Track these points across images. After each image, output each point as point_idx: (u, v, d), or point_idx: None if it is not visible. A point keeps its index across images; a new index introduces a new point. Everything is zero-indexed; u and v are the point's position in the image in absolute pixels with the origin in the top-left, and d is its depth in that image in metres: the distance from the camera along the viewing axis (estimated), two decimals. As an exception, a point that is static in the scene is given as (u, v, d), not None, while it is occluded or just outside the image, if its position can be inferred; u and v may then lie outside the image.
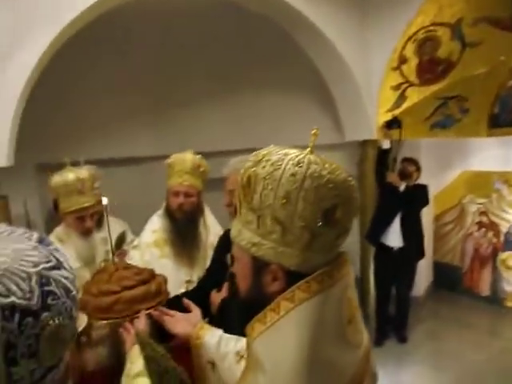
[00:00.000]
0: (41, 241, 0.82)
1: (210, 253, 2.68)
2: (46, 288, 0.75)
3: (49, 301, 0.75)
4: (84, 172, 2.58)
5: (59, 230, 2.69)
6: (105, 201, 2.26)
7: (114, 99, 4.75)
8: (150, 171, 5.07)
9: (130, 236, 3.06)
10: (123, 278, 1.77)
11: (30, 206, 4.39)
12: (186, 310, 1.81)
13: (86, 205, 2.55)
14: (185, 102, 4.94)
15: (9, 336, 0.69)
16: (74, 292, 0.82)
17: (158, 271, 2.48)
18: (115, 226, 2.90)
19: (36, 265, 0.76)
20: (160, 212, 2.78)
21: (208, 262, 2.66)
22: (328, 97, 4.66)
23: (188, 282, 2.66)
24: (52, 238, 2.66)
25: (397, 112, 4.57)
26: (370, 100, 4.55)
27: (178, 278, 2.61)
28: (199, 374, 1.53)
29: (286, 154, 1.03)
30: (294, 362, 0.96)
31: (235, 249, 1.15)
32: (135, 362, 1.43)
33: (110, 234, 2.19)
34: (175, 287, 2.28)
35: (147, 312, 1.71)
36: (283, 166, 1.01)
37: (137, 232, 3.18)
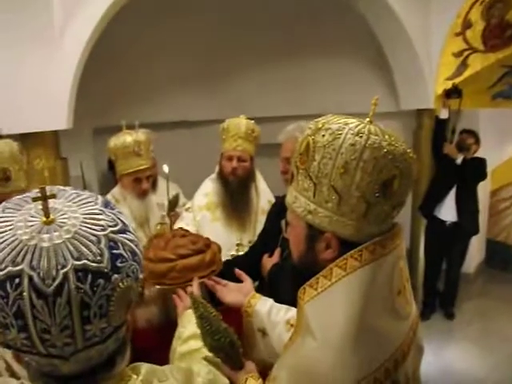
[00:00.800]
0: (106, 205, 0.84)
1: (261, 218, 2.73)
2: (115, 251, 0.77)
3: (118, 263, 0.77)
4: (141, 135, 2.63)
5: (115, 191, 2.77)
6: (166, 169, 2.31)
7: (168, 64, 4.80)
8: (201, 135, 5.13)
9: (182, 199, 3.11)
10: (179, 247, 1.83)
11: (85, 167, 4.55)
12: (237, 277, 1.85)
13: (143, 167, 2.60)
14: (238, 67, 4.93)
15: (83, 296, 0.72)
16: (139, 254, 0.84)
17: (209, 233, 2.55)
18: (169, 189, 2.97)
19: (104, 228, 0.78)
20: (213, 176, 2.81)
21: (258, 227, 2.70)
22: (384, 63, 4.51)
23: (238, 245, 2.70)
24: (108, 198, 2.76)
25: (457, 80, 4.36)
26: (429, 67, 4.36)
27: (229, 241, 2.65)
28: (248, 340, 1.57)
29: (345, 124, 1.02)
30: (344, 328, 0.98)
31: (290, 215, 1.17)
32: (187, 326, 1.48)
33: (168, 199, 2.25)
34: (225, 250, 2.32)
35: (200, 280, 1.76)
36: (343, 135, 1.00)
37: (187, 195, 3.25)
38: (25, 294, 0.69)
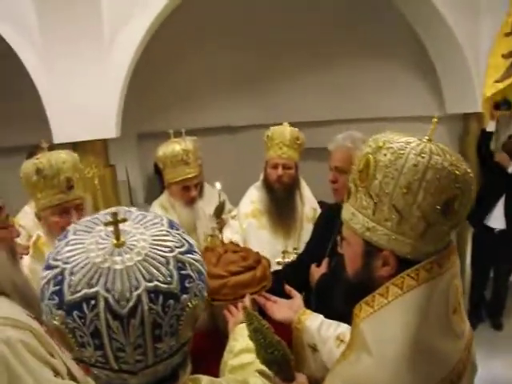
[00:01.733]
0: (171, 226, 0.86)
1: (306, 225, 2.75)
2: (183, 272, 0.80)
3: (186, 284, 0.79)
4: (189, 144, 2.67)
5: (163, 198, 2.83)
6: (218, 186, 2.35)
7: (211, 70, 4.88)
8: (244, 140, 5.18)
9: (228, 205, 3.14)
10: (230, 263, 1.86)
11: (130, 172, 4.67)
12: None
13: (191, 175, 2.65)
14: (281, 72, 4.94)
15: (155, 317, 0.75)
16: (204, 273, 0.87)
17: (255, 241, 2.59)
18: (214, 196, 3.01)
19: (172, 250, 0.80)
20: (258, 184, 2.84)
21: (303, 234, 2.72)
22: (429, 65, 4.40)
23: (284, 252, 2.72)
24: (156, 206, 2.84)
25: (506, 83, 4.21)
26: (477, 69, 4.23)
27: (274, 248, 2.67)
28: (298, 355, 1.59)
29: (407, 143, 1.03)
30: (400, 347, 0.99)
31: (346, 231, 1.18)
32: (238, 339, 1.50)
33: (220, 210, 2.28)
34: (271, 257, 2.34)
35: (252, 297, 1.78)
36: (405, 155, 1.01)
37: (230, 199, 3.30)
38: (101, 315, 0.72)
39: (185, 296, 0.78)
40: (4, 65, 3.65)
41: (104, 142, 3.25)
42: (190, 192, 2.69)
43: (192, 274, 0.81)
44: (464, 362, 1.06)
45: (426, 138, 1.05)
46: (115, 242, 0.77)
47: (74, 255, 0.76)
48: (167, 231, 0.83)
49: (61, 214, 1.96)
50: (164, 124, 4.91)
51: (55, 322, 0.75)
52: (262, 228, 2.71)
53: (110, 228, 0.79)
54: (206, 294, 0.87)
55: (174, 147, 2.63)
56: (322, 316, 1.62)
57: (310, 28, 4.69)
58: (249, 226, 2.73)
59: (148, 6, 3.12)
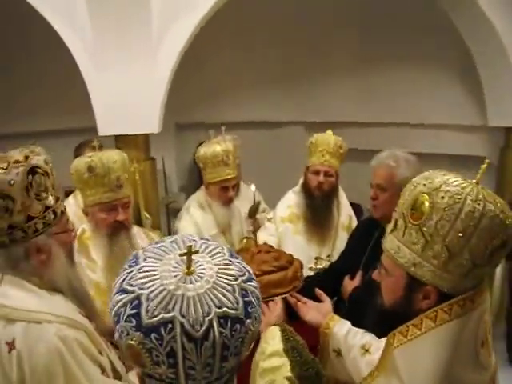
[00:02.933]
0: (231, 255, 0.93)
1: (341, 233, 2.79)
2: (246, 299, 0.86)
3: (249, 309, 0.86)
4: (229, 144, 2.71)
5: (201, 197, 2.88)
6: (253, 188, 2.38)
7: (250, 65, 4.87)
8: (280, 136, 5.19)
9: (262, 205, 3.17)
10: (263, 263, 1.92)
11: (166, 161, 4.74)
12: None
13: (230, 176, 2.69)
14: (320, 70, 4.89)
15: (224, 340, 0.82)
16: (260, 299, 0.93)
17: (290, 246, 2.62)
18: (249, 194, 3.04)
19: (236, 278, 0.87)
20: (296, 188, 2.86)
21: (338, 242, 2.75)
22: (473, 73, 4.27)
23: (317, 258, 2.75)
24: (193, 204, 2.89)
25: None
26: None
27: (308, 254, 2.71)
28: (322, 358, 1.66)
29: (463, 188, 1.08)
30: (431, 377, 1.06)
31: (387, 261, 1.23)
32: (270, 342, 1.53)
33: (254, 211, 2.31)
34: (304, 263, 2.37)
35: (282, 296, 1.84)
36: (462, 200, 1.07)
37: (264, 196, 3.31)
38: (177, 337, 0.79)
39: (248, 321, 0.85)
40: (55, 58, 3.75)
41: (146, 136, 3.31)
42: (228, 192, 2.73)
43: (253, 300, 0.88)
44: None
45: (474, 181, 1.12)
46: (186, 270, 0.84)
47: (149, 281, 0.83)
48: (230, 260, 0.90)
49: (108, 211, 2.04)
50: (201, 116, 5.02)
51: (131, 342, 0.82)
52: (298, 233, 2.75)
53: (181, 257, 0.86)
54: (263, 317, 0.94)
55: (215, 148, 2.66)
56: (349, 323, 1.67)
57: (351, 29, 4.65)
58: (284, 230, 2.77)
59: (197, 5, 3.14)
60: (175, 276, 0.84)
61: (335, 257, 2.65)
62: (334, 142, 2.64)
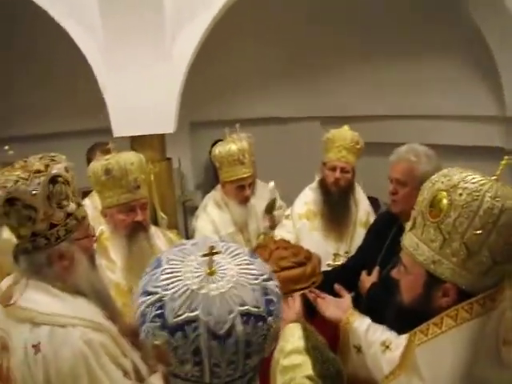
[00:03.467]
0: (251, 255, 0.95)
1: (359, 229, 2.76)
2: (267, 297, 0.89)
3: (270, 307, 0.88)
4: (245, 143, 2.70)
5: (217, 196, 2.88)
6: (271, 185, 2.38)
7: (262, 60, 4.86)
8: (293, 132, 5.18)
9: (279, 202, 3.17)
10: (281, 259, 1.91)
11: (182, 159, 4.76)
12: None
13: (246, 175, 2.69)
14: (332, 65, 4.86)
15: (247, 337, 0.84)
16: (281, 297, 0.94)
17: (307, 242, 2.61)
18: (265, 192, 3.05)
19: (257, 277, 0.89)
20: (313, 185, 2.86)
21: (356, 238, 2.73)
22: (490, 64, 4.19)
23: (335, 255, 2.74)
24: (210, 203, 2.90)
25: None
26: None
27: (326, 251, 2.69)
28: (342, 354, 1.66)
29: (481, 184, 1.08)
30: (451, 375, 1.06)
31: (406, 259, 1.24)
32: (289, 339, 1.55)
33: (270, 207, 2.31)
34: (322, 259, 2.35)
35: (301, 292, 1.83)
36: (481, 197, 1.06)
37: (277, 190, 3.31)
38: (202, 336, 0.82)
39: (270, 318, 0.88)
40: (67, 59, 3.77)
41: (161, 136, 3.33)
42: (244, 191, 2.73)
43: (274, 298, 0.90)
44: None
45: (494, 177, 1.11)
46: (208, 270, 0.87)
47: (172, 282, 0.86)
48: (250, 261, 0.92)
49: (127, 212, 2.05)
50: (216, 113, 5.02)
51: (157, 342, 0.84)
52: (315, 230, 2.74)
53: (202, 258, 0.89)
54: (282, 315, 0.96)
55: (231, 147, 2.66)
56: (369, 319, 1.67)
57: (369, 23, 4.58)
58: (302, 227, 2.76)
59: (211, 3, 3.15)
60: (198, 276, 0.86)
61: (353, 253, 2.64)
62: (351, 137, 2.63)
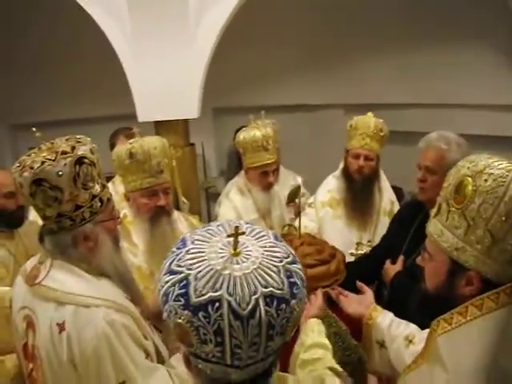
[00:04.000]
0: (276, 237, 0.94)
1: (383, 218, 2.73)
2: (291, 279, 0.88)
3: (294, 290, 0.88)
4: (269, 129, 2.67)
5: (240, 182, 2.87)
6: (299, 180, 2.34)
7: (288, 47, 4.81)
8: (318, 119, 5.13)
9: (302, 190, 3.15)
10: (306, 256, 1.90)
11: (206, 147, 4.77)
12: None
13: (270, 161, 2.66)
14: (358, 52, 4.78)
15: (270, 318, 0.83)
16: (305, 281, 0.93)
17: (330, 231, 2.60)
18: (289, 179, 3.03)
19: (281, 260, 0.89)
20: (336, 173, 2.83)
21: (379, 227, 2.70)
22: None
23: (358, 243, 2.72)
24: (233, 189, 2.90)
25: None
26: None
27: (349, 239, 2.68)
28: (366, 349, 1.65)
29: (508, 170, 1.05)
30: (475, 366, 1.03)
31: (431, 245, 1.21)
32: (309, 334, 1.56)
33: (294, 195, 2.30)
34: (345, 248, 2.36)
35: (324, 290, 1.83)
36: (507, 183, 1.04)
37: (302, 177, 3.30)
38: (224, 315, 0.81)
39: (293, 301, 0.87)
40: (93, 44, 3.81)
41: (185, 122, 3.34)
42: (268, 177, 2.71)
43: (298, 281, 0.90)
44: None
45: None
46: (233, 252, 0.87)
47: (197, 262, 0.86)
48: (274, 243, 0.92)
49: (150, 197, 2.06)
50: (239, 100, 5.01)
51: (180, 321, 0.84)
52: (338, 218, 2.72)
53: (227, 239, 0.89)
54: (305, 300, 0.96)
55: (255, 133, 2.64)
56: (391, 314, 1.66)
57: (390, 9, 4.50)
58: (325, 215, 2.74)
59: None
60: (222, 257, 0.86)
61: (377, 242, 2.60)
62: (375, 124, 2.58)
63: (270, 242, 0.92)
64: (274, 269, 0.86)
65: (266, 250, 0.89)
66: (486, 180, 1.05)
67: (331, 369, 1.36)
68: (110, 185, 2.84)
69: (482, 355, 1.03)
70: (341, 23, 4.69)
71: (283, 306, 0.85)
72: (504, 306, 1.06)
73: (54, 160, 1.32)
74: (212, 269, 0.84)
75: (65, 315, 1.34)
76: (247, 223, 0.98)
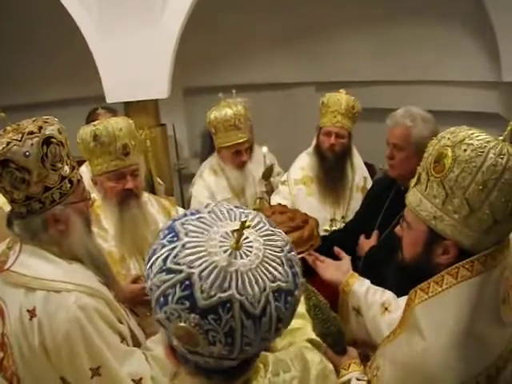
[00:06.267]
0: (270, 224, 0.90)
1: (356, 194, 2.77)
2: (293, 270, 0.85)
3: (296, 280, 0.85)
4: (240, 108, 2.65)
5: (214, 162, 2.86)
6: (265, 149, 2.34)
7: (260, 25, 4.74)
8: (292, 97, 5.10)
9: (276, 168, 3.16)
10: (278, 224, 1.85)
11: (176, 126, 4.70)
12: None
13: (242, 140, 2.65)
14: (329, 29, 4.75)
15: (279, 313, 0.81)
16: (301, 266, 0.90)
17: (304, 208, 2.61)
18: (261, 156, 3.02)
19: (282, 249, 0.85)
20: (309, 150, 2.83)
21: (352, 203, 2.74)
22: (487, 28, 4.10)
23: (332, 220, 2.75)
24: (206, 169, 2.88)
25: None
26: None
27: (322, 216, 2.69)
28: (342, 315, 1.66)
29: (487, 142, 1.07)
30: (452, 333, 1.07)
31: (409, 215, 1.23)
32: None
33: (268, 173, 2.30)
34: (319, 225, 2.36)
35: (300, 256, 1.81)
36: (485, 153, 1.05)
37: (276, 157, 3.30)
38: (236, 316, 0.77)
39: (297, 291, 0.85)
40: (59, 26, 3.68)
41: (155, 102, 3.28)
42: (241, 156, 2.70)
43: (298, 270, 0.87)
44: (510, 350, 1.12)
45: (501, 138, 1.09)
46: (234, 245, 0.80)
47: (197, 259, 0.78)
48: (272, 231, 0.88)
49: (117, 180, 1.99)
50: (209, 79, 4.93)
51: (183, 325, 0.78)
52: (311, 195, 2.74)
53: (224, 229, 0.82)
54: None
55: (226, 112, 2.61)
56: (368, 281, 1.67)
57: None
58: (298, 193, 2.76)
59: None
60: (225, 252, 0.79)
61: (350, 218, 2.65)
62: (346, 101, 2.58)
63: (268, 231, 0.87)
64: (278, 260, 0.82)
65: (266, 240, 0.84)
66: (465, 150, 1.06)
67: (311, 341, 1.37)
68: (84, 167, 2.79)
69: (458, 323, 1.06)
70: (316, 3, 4.64)
71: (289, 298, 0.82)
72: (478, 274, 1.09)
73: (20, 140, 1.27)
74: (216, 266, 0.77)
75: (35, 301, 1.31)
76: (238, 207, 0.92)
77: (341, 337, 1.45)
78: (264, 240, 0.84)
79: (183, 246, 0.80)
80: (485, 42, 4.16)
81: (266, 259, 0.81)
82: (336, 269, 1.76)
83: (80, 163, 2.74)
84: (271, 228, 0.88)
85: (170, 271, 0.79)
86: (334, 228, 2.70)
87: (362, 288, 1.64)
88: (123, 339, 1.45)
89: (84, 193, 1.49)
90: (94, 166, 2.00)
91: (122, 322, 1.48)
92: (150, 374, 1.41)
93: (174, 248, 0.80)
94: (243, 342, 0.79)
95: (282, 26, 4.79)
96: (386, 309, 1.55)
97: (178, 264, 0.78)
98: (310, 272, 1.81)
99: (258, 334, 0.79)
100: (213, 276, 0.77)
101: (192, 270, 0.77)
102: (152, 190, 2.55)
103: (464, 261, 1.10)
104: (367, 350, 1.58)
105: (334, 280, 1.72)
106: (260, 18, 4.71)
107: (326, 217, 2.72)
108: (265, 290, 0.78)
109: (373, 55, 4.68)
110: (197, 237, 0.81)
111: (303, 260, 1.83)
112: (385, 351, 1.26)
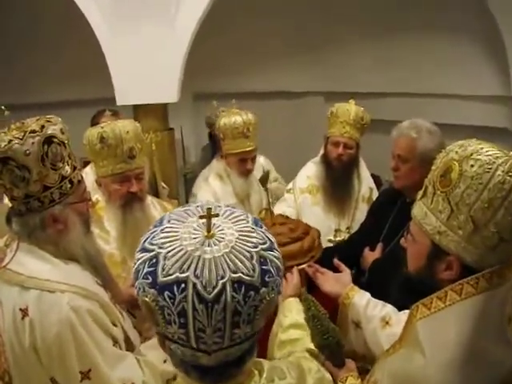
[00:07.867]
0: (256, 223, 0.92)
1: (361, 205, 2.75)
2: (264, 267, 0.86)
3: (266, 278, 0.86)
4: (251, 116, 2.64)
5: (220, 167, 2.85)
6: (262, 160, 2.28)
7: (270, 33, 4.76)
8: (301, 106, 5.09)
9: (273, 173, 3.15)
10: (278, 235, 1.87)
11: (184, 131, 4.71)
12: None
13: (249, 148, 2.63)
14: (340, 39, 4.76)
15: (236, 305, 0.82)
16: (282, 270, 0.92)
17: (308, 217, 2.60)
18: (259, 163, 3.02)
19: (256, 245, 0.87)
20: (316, 159, 2.82)
21: (357, 214, 2.72)
22: (497, 42, 4.07)
23: (336, 230, 2.73)
24: (212, 174, 2.87)
25: None
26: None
27: (327, 226, 2.68)
28: (341, 328, 1.62)
29: (495, 157, 1.03)
30: (454, 351, 1.03)
31: (414, 228, 1.20)
32: (288, 314, 1.55)
33: (264, 180, 2.29)
34: (323, 234, 2.35)
35: (300, 267, 1.81)
36: (492, 170, 1.02)
37: (283, 166, 3.29)
38: (189, 297, 0.80)
39: (264, 289, 0.85)
40: (71, 26, 3.71)
41: (164, 106, 3.30)
42: (247, 164, 2.69)
43: (272, 269, 0.87)
44: None
45: (511, 154, 1.05)
46: (206, 233, 0.85)
47: (168, 242, 0.85)
48: (252, 228, 0.90)
49: (121, 182, 1.98)
50: (219, 86, 4.94)
51: (146, 299, 0.84)
52: (316, 204, 2.72)
53: (202, 220, 0.87)
54: (282, 288, 0.95)
55: (236, 119, 2.60)
56: (368, 294, 1.65)
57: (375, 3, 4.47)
58: (303, 201, 2.74)
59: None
60: (195, 238, 0.85)
61: (355, 229, 2.62)
62: (356, 112, 2.57)
63: (248, 227, 0.89)
64: (247, 254, 0.84)
65: (241, 235, 0.87)
66: (472, 165, 1.03)
67: (309, 351, 1.35)
68: (88, 168, 2.80)
69: (460, 340, 1.03)
70: (324, 11, 4.64)
71: (251, 293, 0.83)
72: (483, 292, 1.05)
73: (21, 139, 1.28)
74: (182, 249, 0.83)
75: (28, 300, 1.30)
76: (227, 206, 0.96)
77: (339, 349, 1.42)
78: (239, 234, 0.87)
79: (162, 230, 0.88)
80: (494, 56, 4.13)
81: (233, 250, 0.84)
82: (336, 281, 1.74)
83: (87, 164, 2.77)
84: (253, 226, 0.90)
85: (144, 250, 0.87)
86: (338, 238, 2.68)
87: (362, 301, 1.62)
88: (116, 342, 1.43)
89: (84, 193, 1.49)
90: (99, 168, 2.00)
91: (116, 325, 1.46)
92: (142, 379, 1.39)
93: (154, 231, 0.89)
94: (196, 326, 0.82)
95: (294, 35, 4.81)
96: (387, 323, 1.53)
97: (152, 244, 0.86)
98: (311, 284, 1.80)
99: (211, 322, 0.81)
100: (176, 257, 0.82)
101: (160, 250, 0.84)
102: (155, 194, 2.54)
103: (469, 277, 1.07)
104: (366, 363, 1.55)
105: (333, 292, 1.70)
106: (270, 26, 4.73)
107: (331, 227, 2.70)
108: (223, 277, 0.81)
109: (382, 67, 4.68)
110: (175, 224, 0.89)
111: (305, 272, 1.82)
112: (384, 365, 1.23)
